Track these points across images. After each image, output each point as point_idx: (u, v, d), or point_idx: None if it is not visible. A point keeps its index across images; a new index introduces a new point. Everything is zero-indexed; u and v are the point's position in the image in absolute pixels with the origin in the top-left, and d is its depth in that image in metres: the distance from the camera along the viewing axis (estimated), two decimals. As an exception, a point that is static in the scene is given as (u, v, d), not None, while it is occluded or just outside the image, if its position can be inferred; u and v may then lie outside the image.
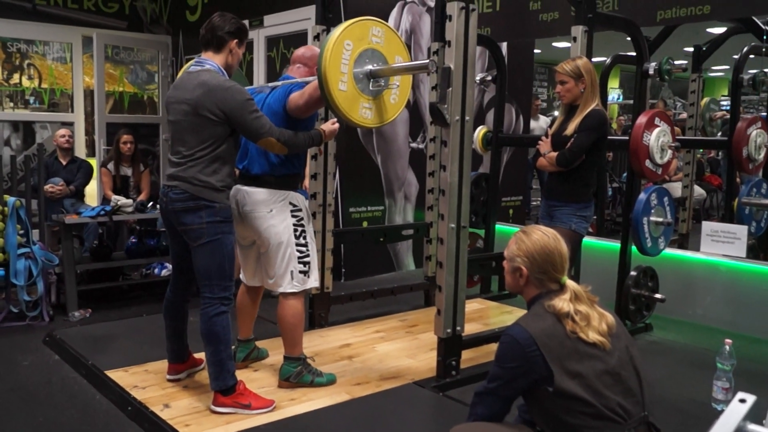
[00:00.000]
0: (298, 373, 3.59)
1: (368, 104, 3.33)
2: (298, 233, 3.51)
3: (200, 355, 3.79)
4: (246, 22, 6.71)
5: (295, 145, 3.32)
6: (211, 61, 3.26)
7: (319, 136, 3.47)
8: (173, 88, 3.34)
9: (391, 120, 3.51)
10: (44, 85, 7.66)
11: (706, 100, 6.71)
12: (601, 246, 5.53)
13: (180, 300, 3.58)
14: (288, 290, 3.52)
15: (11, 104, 7.52)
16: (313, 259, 3.59)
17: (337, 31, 3.18)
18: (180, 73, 3.62)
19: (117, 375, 3.76)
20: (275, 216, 3.47)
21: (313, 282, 3.61)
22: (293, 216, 3.51)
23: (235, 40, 3.30)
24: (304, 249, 3.52)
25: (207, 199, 3.16)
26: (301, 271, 3.52)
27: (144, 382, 3.68)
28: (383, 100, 3.39)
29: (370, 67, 3.29)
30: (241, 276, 3.84)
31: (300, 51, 3.74)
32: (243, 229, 3.58)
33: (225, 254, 3.24)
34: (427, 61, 3.37)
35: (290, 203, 3.52)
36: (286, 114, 3.41)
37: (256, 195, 3.49)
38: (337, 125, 3.55)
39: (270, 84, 3.67)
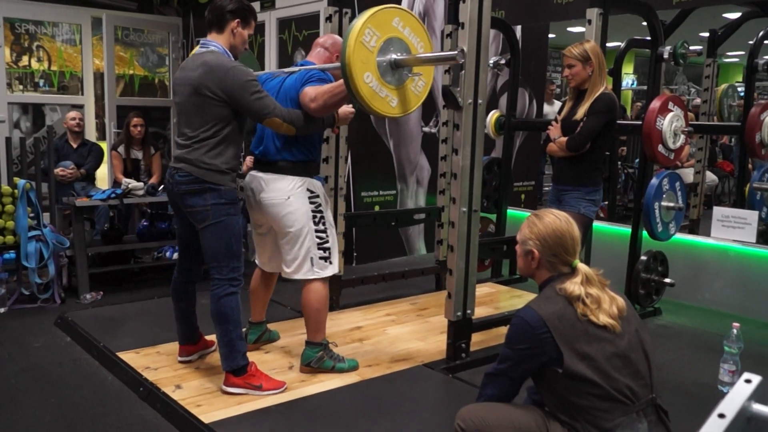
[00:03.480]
0: (319, 358, 3.58)
1: (391, 94, 3.23)
2: (316, 219, 3.48)
3: (212, 337, 3.82)
4: (257, 3, 6.71)
5: (302, 126, 3.26)
6: (215, 43, 3.24)
7: (332, 118, 3.44)
8: (180, 70, 3.32)
9: (413, 110, 3.41)
10: (54, 68, 7.65)
11: (724, 86, 6.66)
12: (612, 231, 5.52)
13: (187, 281, 3.60)
14: (309, 277, 3.50)
15: (20, 86, 7.51)
16: (334, 244, 3.56)
17: (360, 20, 3.08)
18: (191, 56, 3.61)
19: (128, 356, 3.79)
20: (293, 203, 3.44)
21: (334, 268, 3.58)
22: (311, 202, 3.48)
23: (237, 20, 3.25)
24: (323, 235, 3.50)
25: (212, 182, 3.16)
26: (321, 257, 3.50)
27: (155, 363, 3.70)
28: (406, 89, 3.30)
29: (394, 56, 3.18)
30: (256, 260, 3.85)
31: (322, 38, 3.72)
32: (260, 216, 3.57)
33: (232, 235, 3.24)
34: (455, 52, 3.27)
35: (307, 189, 3.49)
36: None
37: (273, 182, 3.47)
38: (352, 109, 3.50)
39: (286, 69, 3.63)
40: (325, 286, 3.56)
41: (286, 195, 3.44)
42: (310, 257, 3.48)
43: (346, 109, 3.49)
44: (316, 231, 3.48)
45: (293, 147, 3.46)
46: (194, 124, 3.18)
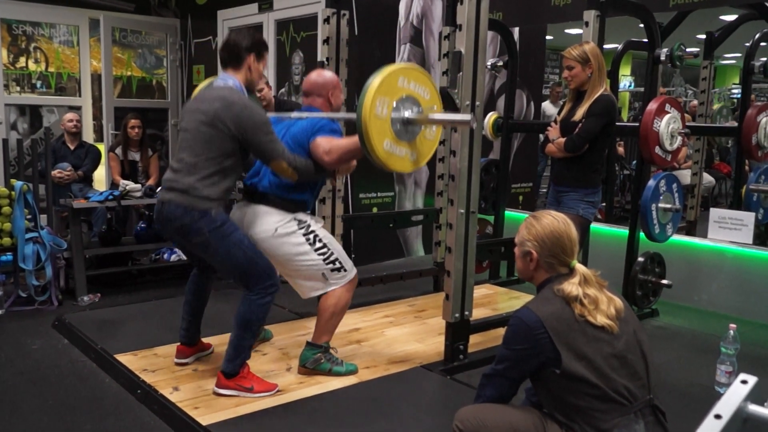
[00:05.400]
0: (316, 359, 3.56)
1: (409, 149, 3.26)
2: (311, 241, 3.45)
3: (209, 340, 3.83)
4: (255, 5, 6.72)
5: (306, 173, 3.33)
6: (233, 78, 3.30)
7: (333, 169, 3.51)
8: (193, 100, 3.37)
9: (426, 162, 3.45)
10: (51, 69, 7.63)
11: (718, 106, 6.68)
12: (609, 232, 5.53)
13: (206, 278, 3.62)
14: (326, 290, 3.51)
15: (18, 88, 7.49)
16: (340, 252, 3.53)
17: (370, 93, 3.04)
18: (197, 89, 3.65)
19: (126, 359, 3.78)
20: (282, 235, 3.42)
21: (351, 273, 3.56)
22: (300, 228, 3.45)
23: (252, 55, 3.32)
24: (325, 250, 3.47)
25: (200, 209, 3.14)
26: (333, 269, 3.49)
27: (153, 365, 3.70)
28: (421, 137, 3.32)
29: (406, 114, 3.19)
30: None
31: (312, 78, 3.66)
32: None
33: (243, 248, 3.23)
34: (469, 117, 3.27)
35: (294, 219, 3.47)
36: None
37: (259, 216, 3.44)
38: (354, 163, 3.55)
39: (294, 114, 3.64)
40: (347, 291, 3.55)
41: (274, 228, 3.42)
42: (322, 273, 3.47)
43: (349, 164, 3.55)
44: (316, 251, 3.45)
45: (289, 186, 3.45)
46: (197, 151, 3.19)
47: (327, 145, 3.34)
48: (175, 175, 3.21)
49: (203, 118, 3.17)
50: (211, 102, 3.18)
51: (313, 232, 3.48)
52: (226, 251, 3.19)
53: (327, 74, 3.70)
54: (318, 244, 3.47)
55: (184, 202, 3.14)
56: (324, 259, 3.46)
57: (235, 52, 3.30)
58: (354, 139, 3.23)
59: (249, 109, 3.17)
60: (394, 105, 3.15)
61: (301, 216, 3.50)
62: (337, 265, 3.50)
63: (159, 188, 5.50)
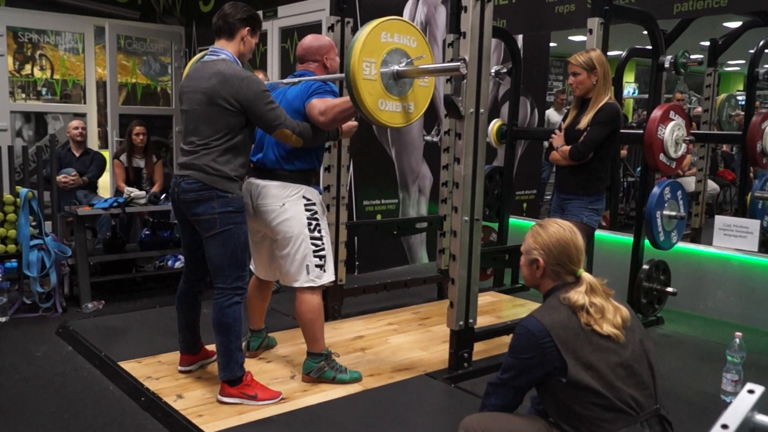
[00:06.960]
0: (319, 368, 3.56)
1: (406, 102, 3.25)
2: (312, 227, 3.46)
3: (212, 347, 3.81)
4: (260, 12, 6.72)
5: (310, 138, 3.30)
6: (226, 51, 3.24)
7: (336, 131, 3.48)
8: (187, 78, 3.32)
9: (418, 117, 3.41)
10: (56, 76, 7.66)
11: (722, 96, 6.66)
12: (614, 239, 5.52)
13: (193, 291, 3.58)
14: (304, 285, 3.49)
15: (23, 95, 7.52)
16: (329, 252, 3.55)
17: (354, 56, 3.03)
18: (189, 64, 3.61)
19: (130, 366, 3.78)
20: (288, 210, 3.43)
21: (329, 276, 3.56)
22: (307, 210, 3.47)
23: (247, 28, 3.27)
24: (319, 242, 3.48)
25: (220, 189, 3.15)
26: (317, 265, 3.48)
27: (157, 373, 3.70)
28: (415, 88, 3.29)
29: (395, 67, 3.17)
30: (252, 267, 3.84)
31: (306, 42, 3.64)
32: (255, 223, 3.56)
33: (238, 244, 3.23)
34: (458, 63, 3.24)
35: (304, 197, 3.48)
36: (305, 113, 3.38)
37: (269, 188, 3.46)
38: (355, 123, 3.52)
39: (286, 80, 3.61)
40: (317, 296, 3.53)
41: (282, 201, 3.43)
42: (306, 264, 3.46)
43: (350, 123, 3.50)
44: (312, 238, 3.46)
45: (292, 156, 3.46)
46: (204, 132, 3.17)
47: (322, 105, 3.31)
48: (189, 157, 3.20)
49: (203, 98, 3.15)
50: (208, 79, 3.15)
51: (317, 219, 3.49)
52: (223, 238, 3.19)
53: (322, 38, 3.69)
54: (316, 233, 3.47)
55: (204, 178, 3.15)
56: (314, 251, 3.46)
57: (229, 21, 3.24)
58: (347, 98, 3.21)
59: (246, 80, 3.14)
60: (382, 60, 3.12)
61: (311, 195, 3.50)
62: (322, 262, 3.50)
63: (163, 195, 5.52)
